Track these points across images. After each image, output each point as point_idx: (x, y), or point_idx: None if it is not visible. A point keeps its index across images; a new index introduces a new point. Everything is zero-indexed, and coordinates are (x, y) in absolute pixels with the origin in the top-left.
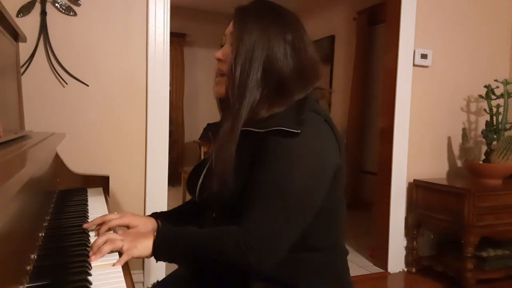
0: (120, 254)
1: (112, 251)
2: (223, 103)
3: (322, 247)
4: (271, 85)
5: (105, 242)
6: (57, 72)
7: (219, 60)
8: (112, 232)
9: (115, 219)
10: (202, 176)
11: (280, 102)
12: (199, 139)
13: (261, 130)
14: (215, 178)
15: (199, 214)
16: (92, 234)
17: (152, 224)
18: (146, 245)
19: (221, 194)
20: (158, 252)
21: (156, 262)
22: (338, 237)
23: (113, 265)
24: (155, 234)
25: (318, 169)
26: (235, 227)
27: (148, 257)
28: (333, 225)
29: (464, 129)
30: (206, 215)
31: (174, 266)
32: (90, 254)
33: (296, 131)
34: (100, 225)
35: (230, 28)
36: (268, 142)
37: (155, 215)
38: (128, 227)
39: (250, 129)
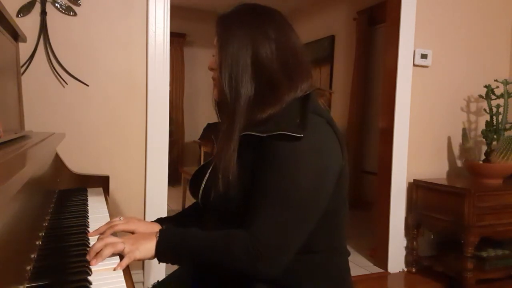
0: (121, 257)
1: (113, 255)
2: (220, 106)
3: (324, 249)
4: (261, 83)
5: (105, 246)
6: (57, 72)
7: (211, 69)
8: (111, 236)
9: (121, 224)
10: (205, 179)
11: (273, 100)
12: (199, 139)
13: (263, 134)
14: (220, 179)
15: (201, 216)
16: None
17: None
18: (148, 247)
19: (225, 196)
20: (162, 254)
21: (159, 263)
22: (340, 238)
23: (114, 269)
24: (158, 236)
25: (322, 172)
26: (242, 231)
27: (150, 259)
28: (335, 227)
29: (464, 129)
30: (207, 218)
31: (174, 267)
32: (89, 258)
33: (299, 135)
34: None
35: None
36: (271, 147)
37: (159, 221)
38: (133, 233)
39: (252, 133)
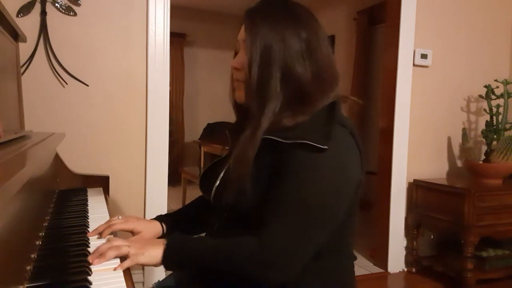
0: (123, 259)
1: (116, 257)
2: (240, 107)
3: (332, 253)
4: (291, 89)
5: (109, 248)
6: (57, 72)
7: (235, 69)
8: (115, 237)
9: (119, 223)
10: (219, 178)
11: (303, 109)
12: (199, 139)
13: (286, 141)
14: (232, 183)
15: (209, 214)
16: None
17: (156, 228)
18: (154, 254)
19: (238, 198)
20: (168, 262)
21: (166, 270)
22: (348, 244)
23: (114, 269)
24: (165, 243)
25: (341, 186)
26: (252, 239)
27: (155, 265)
28: (345, 232)
29: (464, 129)
30: (217, 217)
31: None
32: (92, 258)
33: (323, 147)
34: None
35: (242, 34)
36: (293, 155)
37: (159, 218)
38: (132, 232)
39: (275, 138)
